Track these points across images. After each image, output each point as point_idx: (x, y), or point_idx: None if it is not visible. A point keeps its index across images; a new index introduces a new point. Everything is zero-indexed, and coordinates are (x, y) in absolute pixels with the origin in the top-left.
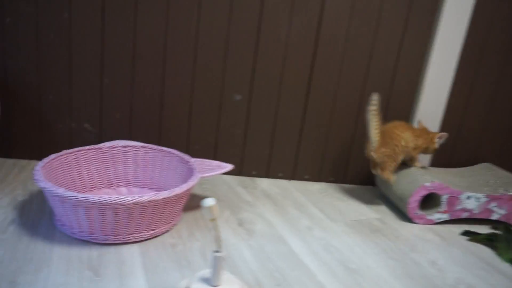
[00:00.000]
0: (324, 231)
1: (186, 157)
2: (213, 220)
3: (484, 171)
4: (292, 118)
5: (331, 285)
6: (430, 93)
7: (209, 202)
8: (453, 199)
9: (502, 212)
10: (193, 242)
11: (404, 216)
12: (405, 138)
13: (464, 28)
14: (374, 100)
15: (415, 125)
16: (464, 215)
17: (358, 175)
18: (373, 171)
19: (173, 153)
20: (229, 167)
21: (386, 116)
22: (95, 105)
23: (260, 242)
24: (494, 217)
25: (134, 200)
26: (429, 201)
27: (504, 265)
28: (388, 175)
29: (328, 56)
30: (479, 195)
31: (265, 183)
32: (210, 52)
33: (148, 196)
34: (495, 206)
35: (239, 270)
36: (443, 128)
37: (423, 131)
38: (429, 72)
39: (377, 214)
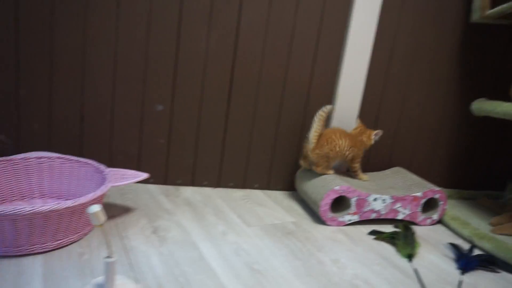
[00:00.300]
0: (237, 236)
1: (102, 167)
2: (100, 226)
3: (394, 174)
4: (214, 127)
5: (232, 286)
6: (344, 101)
7: (94, 208)
8: (362, 201)
9: (407, 212)
10: (102, 251)
11: (318, 219)
12: (340, 145)
13: (371, 40)
14: (326, 108)
15: (355, 123)
16: (373, 215)
17: (281, 181)
18: (302, 164)
19: (89, 164)
20: (144, 175)
21: (305, 122)
22: (11, 116)
23: (171, 249)
24: (400, 216)
25: (33, 211)
26: (342, 204)
27: (400, 261)
28: (321, 170)
29: (247, 68)
30: (384, 196)
31: (189, 191)
32: (130, 63)
33: (49, 206)
34: (400, 206)
35: (144, 276)
36: None
37: (362, 131)
38: (341, 81)
39: (294, 218)
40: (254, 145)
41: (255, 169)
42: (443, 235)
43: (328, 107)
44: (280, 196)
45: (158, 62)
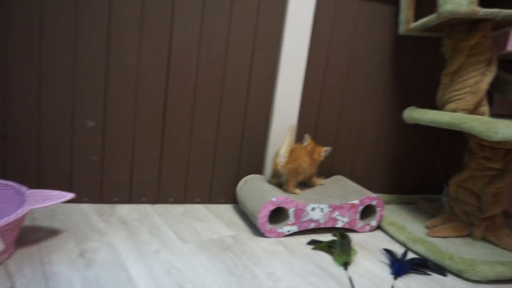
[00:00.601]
0: (171, 254)
1: (23, 188)
2: None
3: (333, 183)
4: (151, 141)
5: None
6: (282, 112)
7: None
8: (300, 212)
9: (345, 219)
10: (19, 278)
11: (258, 231)
12: (306, 162)
13: (305, 52)
14: (293, 128)
15: (302, 139)
16: (312, 225)
17: (224, 194)
18: (272, 181)
19: (9, 186)
20: (69, 196)
21: (244, 133)
22: None
23: (97, 272)
24: (339, 225)
25: None
26: (281, 215)
27: (337, 269)
28: (292, 189)
29: (182, 81)
30: (322, 206)
31: (125, 209)
32: (57, 78)
33: None
34: (338, 215)
35: None
36: None
37: (313, 148)
38: (278, 92)
39: (233, 232)
40: (193, 159)
41: (195, 183)
42: (381, 241)
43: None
44: (222, 209)
45: (87, 77)
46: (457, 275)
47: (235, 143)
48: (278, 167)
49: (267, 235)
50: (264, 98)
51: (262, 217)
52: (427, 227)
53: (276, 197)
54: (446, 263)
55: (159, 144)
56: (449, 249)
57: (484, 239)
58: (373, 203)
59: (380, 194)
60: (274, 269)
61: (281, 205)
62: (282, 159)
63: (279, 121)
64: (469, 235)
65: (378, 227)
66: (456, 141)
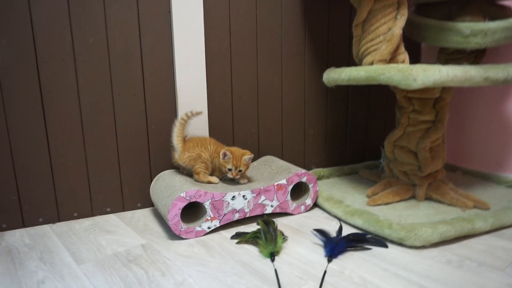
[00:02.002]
0: (60, 281)
1: None
2: None
3: (261, 165)
4: (35, 152)
5: None
6: (187, 96)
7: None
8: (218, 203)
9: (275, 203)
10: None
11: (175, 234)
12: (206, 152)
13: (201, 22)
14: (190, 112)
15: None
16: (236, 216)
17: (138, 198)
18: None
19: None
20: None
21: (149, 129)
22: None
23: None
24: (269, 210)
25: None
26: (200, 211)
27: (263, 262)
28: (203, 177)
29: (56, 78)
30: (244, 192)
31: (16, 235)
32: None
33: None
34: (265, 199)
35: None
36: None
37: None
38: (178, 74)
39: (145, 239)
40: (92, 165)
41: (101, 191)
42: (317, 220)
43: (194, 112)
44: (138, 215)
45: None
46: (399, 243)
47: (140, 138)
48: (178, 161)
49: (184, 236)
50: (164, 83)
51: (173, 217)
52: (367, 196)
53: (185, 191)
54: (386, 232)
55: (46, 153)
56: (390, 217)
57: (428, 198)
58: (303, 179)
59: (319, 169)
60: (186, 277)
61: (193, 200)
62: (177, 150)
63: (186, 105)
64: (413, 197)
65: (316, 205)
66: (390, 100)
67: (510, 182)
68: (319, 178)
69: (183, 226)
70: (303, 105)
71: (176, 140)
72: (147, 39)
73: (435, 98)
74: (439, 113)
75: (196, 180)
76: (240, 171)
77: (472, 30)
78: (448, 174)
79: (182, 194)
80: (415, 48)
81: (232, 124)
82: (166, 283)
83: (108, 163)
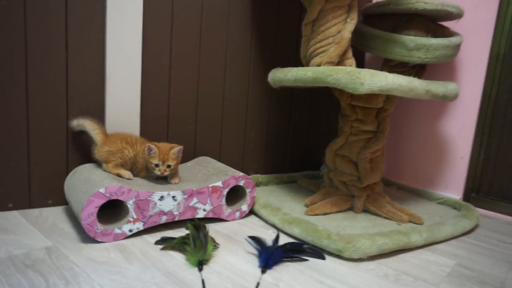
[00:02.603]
0: None
1: None
2: None
3: (195, 165)
4: None
5: None
6: (116, 87)
7: None
8: (144, 203)
9: (208, 207)
10: None
11: (89, 237)
12: (129, 150)
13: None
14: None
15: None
16: (164, 219)
17: (50, 195)
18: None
19: None
20: None
21: (68, 113)
22: None
23: None
24: (201, 214)
25: None
26: (122, 211)
27: (188, 272)
28: (113, 168)
29: None
30: (174, 192)
31: None
32: None
33: None
34: (197, 202)
35: None
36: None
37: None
38: (108, 65)
39: (51, 242)
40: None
41: (3, 184)
42: (252, 228)
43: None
44: (47, 214)
45: None
46: (336, 255)
47: (57, 125)
48: (96, 155)
49: (99, 239)
50: (91, 64)
51: (87, 216)
52: (306, 205)
53: (105, 187)
54: (324, 243)
55: None
56: (328, 227)
57: (366, 210)
58: (241, 183)
59: (257, 175)
60: (96, 286)
61: (114, 198)
62: (97, 144)
63: (115, 93)
64: (351, 209)
65: (252, 212)
66: (333, 109)
67: (441, 199)
68: (257, 184)
69: (100, 227)
70: (246, 105)
71: (94, 133)
72: (75, 4)
73: (378, 109)
74: (381, 124)
75: (104, 170)
76: (169, 166)
77: (416, 44)
78: (384, 188)
79: (101, 190)
80: (359, 58)
81: (168, 119)
82: None
83: (14, 151)
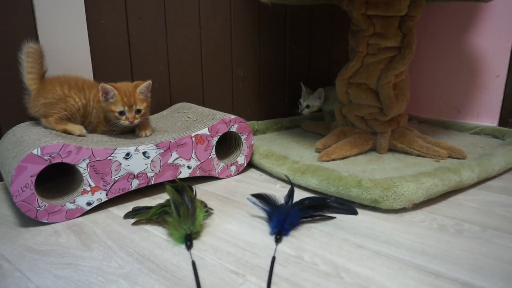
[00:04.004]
0: None
1: None
2: None
3: (173, 113)
4: None
5: None
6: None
7: None
8: (102, 165)
9: (193, 163)
10: None
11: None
12: (77, 99)
13: None
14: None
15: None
16: (134, 184)
17: None
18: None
19: None
20: None
21: None
22: None
23: None
24: (184, 174)
25: None
26: (74, 180)
27: (171, 252)
28: (56, 124)
29: None
30: (144, 147)
31: None
32: None
33: None
34: (179, 158)
35: None
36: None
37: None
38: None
39: None
40: None
41: None
42: (256, 184)
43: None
44: None
45: None
46: (371, 207)
47: None
48: (29, 110)
49: (45, 220)
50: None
51: (19, 190)
52: (317, 150)
53: (40, 146)
54: (353, 193)
55: None
56: (353, 172)
57: (392, 148)
58: (233, 128)
59: (252, 122)
60: (39, 284)
61: (56, 160)
62: (31, 92)
63: (48, 23)
64: (373, 149)
65: (250, 165)
66: (336, 35)
67: (475, 128)
68: (253, 133)
69: (43, 203)
70: (229, 34)
71: (27, 79)
72: None
73: (401, 17)
74: (406, 37)
75: (45, 127)
76: (138, 111)
77: None
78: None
79: (34, 152)
80: None
81: (130, 58)
82: None
83: None
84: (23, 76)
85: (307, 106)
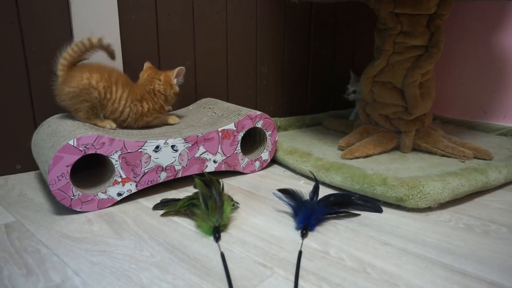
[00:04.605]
0: None
1: None
2: None
3: (199, 108)
4: None
5: None
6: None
7: None
8: (133, 157)
9: (219, 158)
10: None
11: (64, 206)
12: (114, 91)
13: None
14: (90, 40)
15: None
16: (163, 176)
17: (17, 158)
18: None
19: None
20: None
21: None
22: None
23: None
24: (210, 168)
25: None
26: (107, 170)
27: (200, 243)
28: (86, 119)
29: None
30: (174, 141)
31: None
32: None
33: None
34: (205, 152)
35: None
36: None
37: (150, 78)
38: None
39: (14, 217)
40: None
41: None
42: (280, 180)
43: (104, 42)
44: (14, 182)
45: None
46: (396, 206)
47: (14, 68)
48: (59, 103)
49: (78, 209)
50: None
51: (56, 179)
52: (341, 148)
53: (76, 137)
54: (378, 191)
55: None
56: (378, 170)
57: (416, 148)
58: (259, 124)
59: (275, 119)
60: (70, 275)
61: (91, 151)
62: (58, 78)
63: (84, 19)
64: (397, 148)
65: (273, 162)
66: (359, 34)
67: (502, 129)
68: None
69: (77, 192)
70: (255, 31)
71: (59, 63)
72: None
73: (430, 15)
74: (435, 35)
75: (76, 115)
76: None
77: None
78: None
79: (70, 142)
80: None
81: (158, 52)
82: (30, 286)
83: None
84: (57, 63)
85: (354, 92)
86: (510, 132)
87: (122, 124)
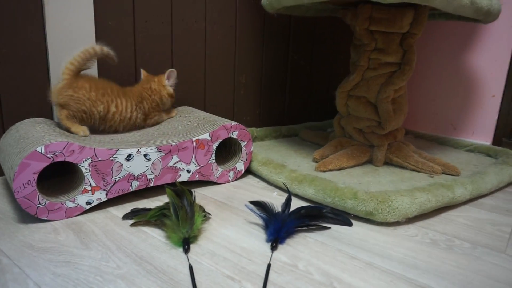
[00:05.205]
0: None
1: None
2: None
3: (175, 117)
4: None
5: None
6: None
7: None
8: (104, 165)
9: (193, 167)
10: None
11: (30, 215)
12: (122, 106)
13: None
14: (102, 49)
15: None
16: (134, 185)
17: None
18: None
19: None
20: None
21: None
22: None
23: None
24: (184, 177)
25: None
26: (74, 179)
27: (169, 255)
28: (65, 119)
29: None
30: (146, 149)
31: None
32: None
33: None
34: (179, 161)
35: None
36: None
37: (147, 81)
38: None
39: None
40: None
41: None
42: (253, 191)
43: (111, 53)
44: None
45: None
46: (365, 219)
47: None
48: (51, 96)
49: (44, 217)
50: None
51: (22, 186)
52: (315, 160)
53: (45, 144)
54: (349, 204)
55: None
56: (350, 184)
57: (388, 162)
58: (233, 135)
59: (251, 129)
60: (31, 286)
61: (60, 159)
62: (61, 81)
63: (57, 21)
64: (370, 161)
65: (248, 172)
66: (337, 48)
67: (469, 146)
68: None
69: (43, 200)
70: (234, 42)
71: (65, 67)
72: None
73: (403, 34)
74: (407, 53)
75: (58, 116)
76: None
77: None
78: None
79: (38, 149)
80: None
81: (135, 59)
82: None
83: None
84: (65, 64)
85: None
86: (477, 149)
87: (134, 128)
